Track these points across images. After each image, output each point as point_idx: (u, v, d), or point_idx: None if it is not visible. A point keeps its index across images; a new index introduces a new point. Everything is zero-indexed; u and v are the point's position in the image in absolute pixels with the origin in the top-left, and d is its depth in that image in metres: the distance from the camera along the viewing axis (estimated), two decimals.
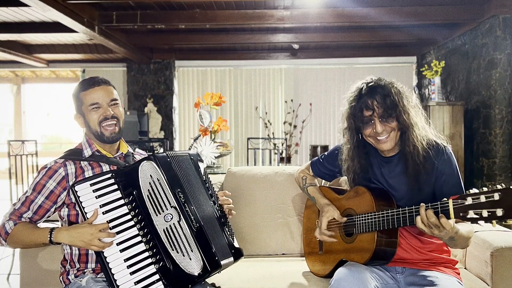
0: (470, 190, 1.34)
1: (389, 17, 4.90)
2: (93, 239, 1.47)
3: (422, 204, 1.43)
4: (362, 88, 1.65)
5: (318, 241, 1.94)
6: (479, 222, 1.30)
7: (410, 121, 1.60)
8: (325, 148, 6.23)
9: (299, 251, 2.29)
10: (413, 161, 1.61)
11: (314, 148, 6.42)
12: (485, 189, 1.29)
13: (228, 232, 1.69)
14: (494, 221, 1.27)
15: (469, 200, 1.31)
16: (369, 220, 1.61)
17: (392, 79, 1.68)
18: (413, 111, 1.63)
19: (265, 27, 5.82)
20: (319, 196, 1.91)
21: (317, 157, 2.04)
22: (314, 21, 5.08)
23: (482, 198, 1.28)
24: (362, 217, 1.65)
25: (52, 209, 1.64)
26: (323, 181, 2.28)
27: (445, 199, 1.40)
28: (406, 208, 1.50)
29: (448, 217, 1.36)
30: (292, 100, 7.23)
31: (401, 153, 1.67)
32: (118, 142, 1.79)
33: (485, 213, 1.27)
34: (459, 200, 1.34)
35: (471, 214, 1.30)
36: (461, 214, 1.33)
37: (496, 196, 1.25)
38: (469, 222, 1.33)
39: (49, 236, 1.53)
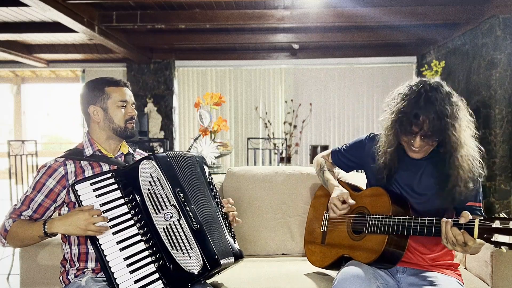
0: (500, 214, 1.32)
1: (389, 17, 4.90)
2: (89, 224, 1.48)
3: (444, 219, 1.40)
4: (421, 96, 1.51)
5: (322, 232, 1.93)
6: (502, 247, 1.28)
7: (455, 146, 1.52)
8: (325, 148, 6.22)
9: (299, 251, 2.29)
10: (452, 186, 1.55)
11: (314, 148, 6.41)
12: None
13: (230, 234, 1.69)
14: None
15: (496, 223, 1.29)
16: (383, 222, 1.59)
17: (450, 90, 1.57)
18: (464, 133, 1.54)
19: (265, 27, 5.82)
20: (332, 179, 1.89)
21: (339, 146, 2.01)
22: (314, 21, 5.08)
23: (511, 225, 1.26)
24: (375, 217, 1.64)
25: (52, 208, 1.64)
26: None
27: (467, 214, 1.37)
28: (426, 219, 1.47)
29: (472, 236, 1.34)
30: (292, 100, 7.23)
31: (431, 160, 1.62)
32: (121, 143, 1.80)
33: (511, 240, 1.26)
34: (486, 222, 1.31)
35: (496, 237, 1.28)
36: (485, 235, 1.31)
37: None
38: (493, 245, 1.31)
39: (43, 227, 1.52)
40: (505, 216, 1.30)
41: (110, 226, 1.51)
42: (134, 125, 1.77)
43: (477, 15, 4.81)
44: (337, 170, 2.08)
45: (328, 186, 1.91)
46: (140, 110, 6.95)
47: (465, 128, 1.56)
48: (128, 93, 1.77)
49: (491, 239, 1.29)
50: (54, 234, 1.55)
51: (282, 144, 6.46)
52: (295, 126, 7.22)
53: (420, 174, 1.66)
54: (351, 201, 1.73)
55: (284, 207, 2.34)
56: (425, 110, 1.49)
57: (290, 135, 7.17)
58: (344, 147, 1.96)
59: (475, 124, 1.62)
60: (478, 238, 1.33)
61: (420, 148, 1.57)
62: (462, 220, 1.38)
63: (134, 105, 1.81)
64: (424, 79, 1.61)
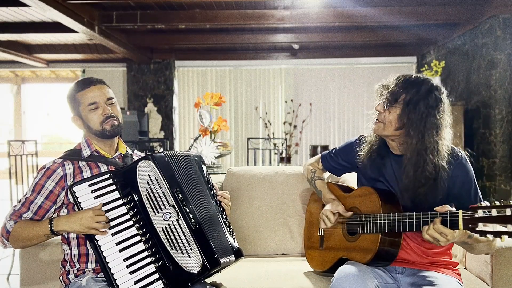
0: (482, 203, 1.33)
1: (389, 17, 4.90)
2: (92, 223, 1.48)
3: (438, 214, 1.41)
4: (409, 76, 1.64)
5: (320, 237, 1.94)
6: (488, 235, 1.28)
7: (421, 145, 1.56)
8: (325, 148, 6.22)
9: (299, 251, 2.29)
10: (418, 182, 1.58)
11: (314, 148, 6.41)
12: (497, 203, 1.28)
13: (229, 233, 1.69)
14: (503, 236, 1.25)
15: (480, 213, 1.30)
16: (375, 221, 1.60)
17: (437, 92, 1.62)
18: (426, 121, 1.58)
19: (265, 27, 5.82)
20: (326, 191, 1.91)
21: (327, 151, 2.03)
22: (314, 21, 5.08)
23: (494, 212, 1.27)
24: (367, 217, 1.65)
25: (52, 209, 1.64)
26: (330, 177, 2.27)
27: (454, 209, 1.39)
28: (414, 214, 1.48)
29: (457, 228, 1.35)
30: (292, 100, 7.23)
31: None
32: (117, 142, 1.79)
33: (496, 227, 1.26)
34: (469, 212, 1.33)
35: (481, 227, 1.29)
36: (470, 225, 1.32)
37: (508, 212, 1.24)
38: (478, 235, 1.32)
39: (49, 226, 1.53)
40: (488, 204, 1.30)
41: (110, 227, 1.51)
42: (113, 122, 1.68)
43: (477, 15, 4.80)
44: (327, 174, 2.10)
45: (322, 197, 1.93)
46: (140, 110, 6.95)
47: (427, 118, 1.58)
48: (98, 92, 1.67)
49: (476, 229, 1.30)
50: (61, 233, 1.55)
51: (282, 144, 6.46)
52: (295, 126, 7.22)
53: (402, 170, 1.67)
54: (348, 214, 1.75)
55: (284, 207, 2.34)
56: (392, 79, 1.65)
57: (290, 135, 7.17)
58: (333, 152, 1.99)
59: (450, 121, 1.66)
60: (464, 229, 1.34)
61: (381, 115, 1.65)
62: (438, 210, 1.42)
63: (111, 100, 1.71)
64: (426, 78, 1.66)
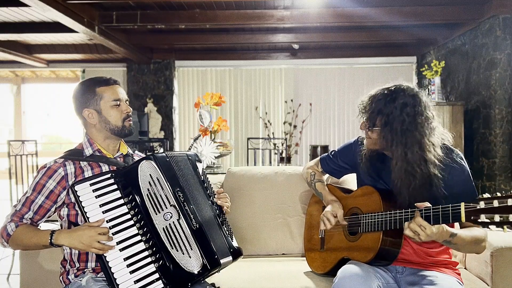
0: (484, 195, 1.34)
1: (389, 17, 4.89)
2: (93, 242, 1.48)
3: (426, 206, 1.43)
4: (387, 91, 1.62)
5: (320, 238, 1.94)
6: (490, 226, 1.30)
7: (407, 165, 1.56)
8: (325, 148, 6.22)
9: (299, 251, 2.29)
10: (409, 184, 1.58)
11: (314, 148, 6.41)
12: (498, 194, 1.29)
13: (227, 231, 1.70)
14: (505, 227, 1.27)
15: (481, 204, 1.32)
16: (376, 220, 1.61)
17: (416, 94, 1.60)
18: (411, 138, 1.57)
19: (265, 27, 5.82)
20: (326, 193, 1.92)
21: (326, 153, 2.04)
22: (314, 21, 5.07)
23: (495, 203, 1.29)
24: (368, 216, 1.65)
25: (53, 209, 1.64)
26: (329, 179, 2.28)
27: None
28: (416, 210, 1.48)
29: (460, 220, 1.36)
30: (292, 100, 7.23)
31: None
32: (119, 142, 1.80)
33: (497, 218, 1.28)
34: (471, 204, 1.34)
35: (483, 218, 1.30)
36: (472, 217, 1.33)
37: (510, 202, 1.26)
38: (480, 226, 1.34)
39: (49, 238, 1.53)
40: (489, 196, 1.32)
41: (110, 227, 1.51)
42: (131, 122, 1.75)
43: (477, 15, 4.80)
44: (326, 176, 2.11)
45: (323, 199, 1.93)
46: (140, 110, 6.94)
47: (407, 135, 1.57)
48: (120, 91, 1.74)
49: (479, 220, 1.31)
50: (59, 245, 1.56)
51: (282, 144, 6.46)
52: (295, 126, 7.22)
53: (394, 187, 1.66)
54: (344, 222, 1.77)
55: (284, 207, 2.34)
56: (369, 96, 1.67)
57: (290, 135, 7.17)
58: (332, 153, 2.00)
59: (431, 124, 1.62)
60: (466, 221, 1.35)
61: (364, 132, 1.68)
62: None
63: (127, 102, 1.77)
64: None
